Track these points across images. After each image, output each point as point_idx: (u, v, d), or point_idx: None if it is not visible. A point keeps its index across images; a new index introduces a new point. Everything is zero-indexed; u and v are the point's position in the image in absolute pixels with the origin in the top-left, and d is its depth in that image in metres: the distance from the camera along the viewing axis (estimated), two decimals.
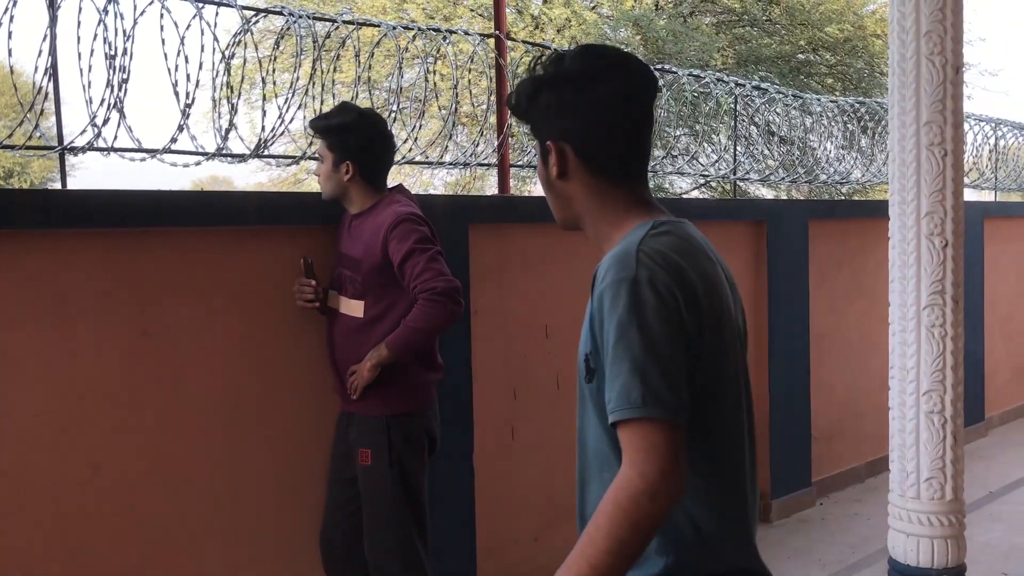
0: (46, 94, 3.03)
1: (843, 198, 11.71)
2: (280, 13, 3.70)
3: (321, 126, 3.17)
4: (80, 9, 3.09)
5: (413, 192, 3.36)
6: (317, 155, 3.23)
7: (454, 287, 3.01)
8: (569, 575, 1.39)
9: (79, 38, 3.09)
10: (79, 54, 3.09)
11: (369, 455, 3.10)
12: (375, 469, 3.10)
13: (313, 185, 15.07)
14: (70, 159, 3.40)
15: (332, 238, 3.49)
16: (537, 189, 15.36)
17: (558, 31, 13.88)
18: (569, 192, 1.63)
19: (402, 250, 3.01)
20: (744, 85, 6.19)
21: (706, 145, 7.45)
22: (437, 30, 4.33)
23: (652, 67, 1.96)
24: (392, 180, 3.32)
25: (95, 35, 3.11)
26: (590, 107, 1.55)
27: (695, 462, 1.46)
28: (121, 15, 3.14)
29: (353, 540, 3.20)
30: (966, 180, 4.85)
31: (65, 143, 3.16)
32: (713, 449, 1.52)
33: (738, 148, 6.39)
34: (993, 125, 8.25)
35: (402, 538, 3.12)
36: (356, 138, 3.14)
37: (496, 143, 4.44)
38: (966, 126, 7.38)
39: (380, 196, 3.20)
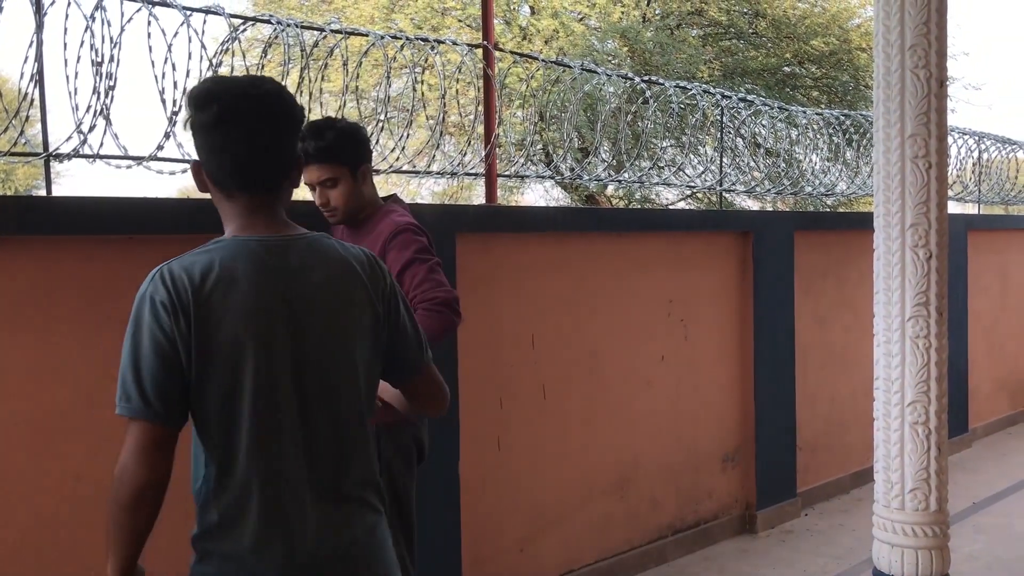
0: (31, 100, 3.02)
1: (828, 210, 11.77)
2: (268, 22, 3.69)
3: (320, 149, 2.95)
4: (67, 15, 3.08)
5: None
6: (310, 184, 3.03)
7: (454, 297, 3.00)
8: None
9: (66, 44, 3.08)
10: (65, 60, 3.07)
11: None
12: None
13: (301, 193, 15.06)
14: (55, 166, 3.37)
15: None
16: (524, 199, 15.37)
17: (546, 42, 13.92)
18: (215, 203, 1.87)
19: (401, 260, 2.97)
20: (730, 97, 6.22)
21: (692, 157, 7.47)
22: (425, 40, 4.34)
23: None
24: (383, 190, 3.30)
25: (82, 41, 3.09)
26: (196, 132, 1.79)
27: (211, 452, 1.74)
28: (108, 22, 3.12)
29: None
30: (950, 193, 4.90)
31: (50, 150, 3.14)
32: (232, 441, 1.72)
33: (724, 160, 6.42)
34: (976, 138, 8.32)
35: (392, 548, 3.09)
36: (357, 143, 3.05)
37: (483, 153, 4.45)
38: (950, 139, 7.43)
39: (378, 202, 3.16)
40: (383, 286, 1.88)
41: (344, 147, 3.01)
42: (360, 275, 1.83)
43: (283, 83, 3.66)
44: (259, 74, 1.96)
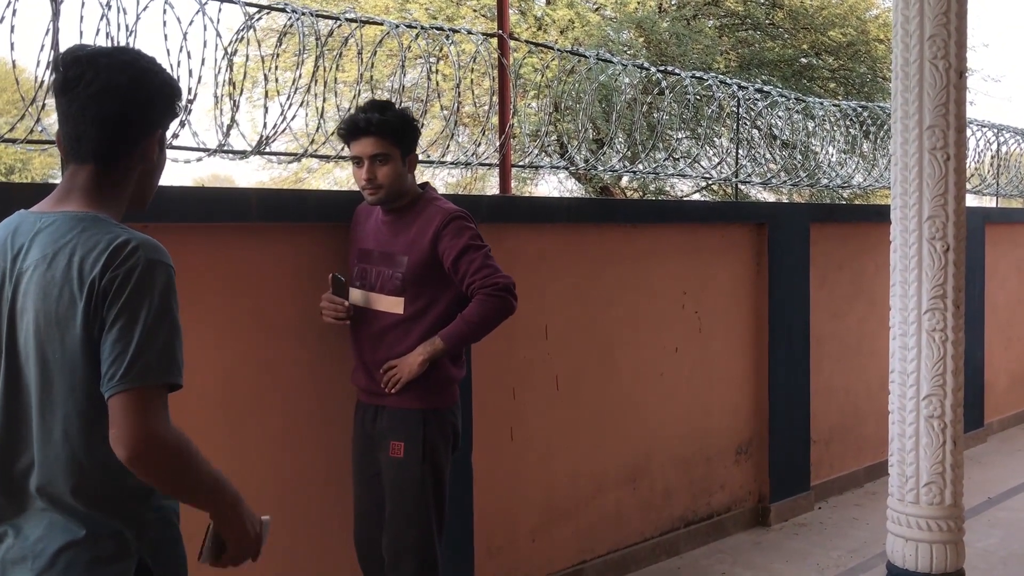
0: (48, 88, 3.02)
1: (844, 202, 11.70)
2: (283, 10, 3.69)
3: (382, 122, 3.02)
4: (83, 3, 3.08)
5: None
6: (361, 155, 3.04)
7: (512, 283, 3.10)
8: None
9: (81, 33, 3.08)
10: None
11: (402, 448, 3.08)
12: (407, 463, 3.08)
13: (314, 183, 14.99)
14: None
15: (333, 236, 3.49)
16: (538, 191, 15.34)
17: (561, 32, 13.87)
18: None
19: (457, 247, 3.04)
20: (747, 88, 6.19)
21: (708, 148, 7.44)
22: (440, 28, 4.33)
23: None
24: None
25: (97, 30, 3.10)
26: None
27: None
28: (124, 10, 3.13)
29: None
30: (968, 186, 4.85)
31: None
32: None
33: (740, 151, 6.39)
34: (995, 131, 8.25)
35: (424, 537, 3.10)
36: (414, 130, 3.13)
37: (498, 143, 4.44)
38: (968, 132, 7.37)
39: (417, 191, 3.19)
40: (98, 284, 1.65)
41: (403, 129, 3.08)
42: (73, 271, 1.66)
43: (298, 72, 3.67)
44: (123, 45, 1.89)
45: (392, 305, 3.10)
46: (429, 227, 3.07)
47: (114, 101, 1.73)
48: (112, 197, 1.78)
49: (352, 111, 3.53)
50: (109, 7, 3.10)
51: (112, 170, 1.77)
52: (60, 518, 1.69)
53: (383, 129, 3.02)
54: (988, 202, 8.96)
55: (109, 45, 1.81)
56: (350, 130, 3.06)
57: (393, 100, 3.37)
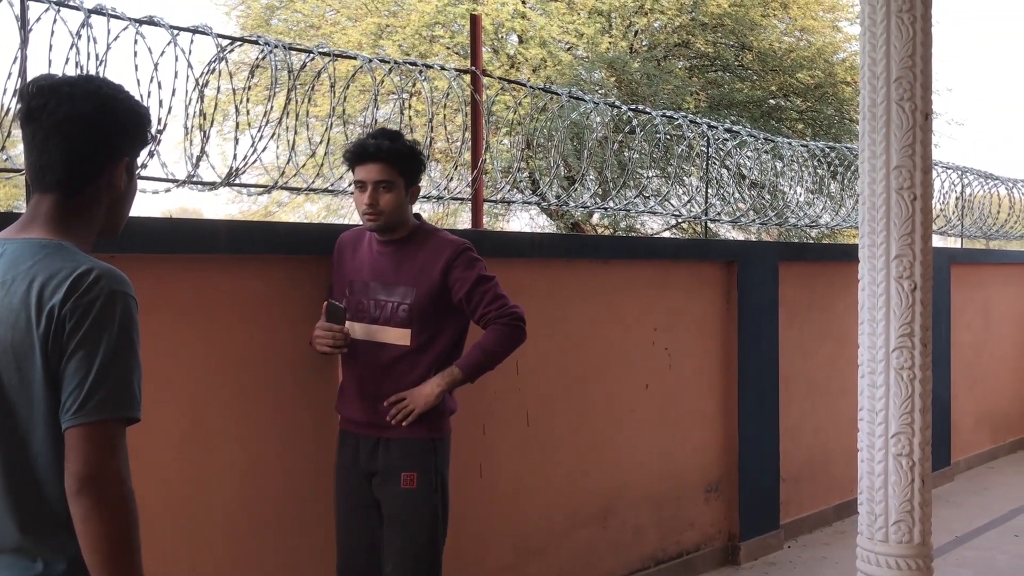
0: (13, 118, 2.99)
1: (812, 242, 11.83)
2: (255, 42, 3.68)
3: (392, 150, 3.03)
4: (53, 32, 3.06)
5: None
6: (366, 180, 3.02)
7: (524, 313, 3.14)
8: None
9: (50, 61, 3.06)
10: None
11: (415, 479, 3.05)
12: (421, 493, 3.06)
13: (284, 217, 14.93)
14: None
15: (303, 268, 3.46)
16: (510, 227, 15.37)
17: (533, 71, 14.00)
18: None
19: (470, 279, 3.06)
20: (717, 128, 6.26)
21: (678, 187, 7.50)
22: (414, 63, 4.34)
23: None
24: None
25: (67, 59, 3.08)
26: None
27: None
28: (94, 39, 3.11)
29: (378, 569, 3.14)
30: (934, 226, 4.92)
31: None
32: None
33: (709, 190, 6.44)
34: (960, 173, 8.39)
35: (435, 567, 3.08)
36: (420, 163, 3.14)
37: (470, 178, 4.44)
38: (933, 173, 7.51)
39: (413, 223, 3.18)
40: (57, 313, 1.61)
41: (411, 159, 3.09)
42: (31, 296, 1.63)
43: (269, 104, 3.66)
44: (89, 74, 1.86)
45: (399, 337, 3.06)
46: (439, 259, 3.07)
47: (78, 130, 1.70)
48: (78, 226, 1.75)
49: (322, 144, 3.52)
50: (79, 36, 3.08)
51: (77, 198, 1.74)
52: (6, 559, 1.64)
53: (392, 157, 3.02)
54: (953, 243, 9.10)
55: (76, 75, 1.78)
56: (357, 154, 3.04)
57: (363, 134, 3.37)
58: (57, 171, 1.71)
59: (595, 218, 14.05)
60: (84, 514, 1.58)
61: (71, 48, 3.08)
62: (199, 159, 3.43)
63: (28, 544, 1.64)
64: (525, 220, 15.78)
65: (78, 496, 1.57)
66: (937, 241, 9.42)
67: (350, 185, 4.18)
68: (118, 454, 1.61)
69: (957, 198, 8.51)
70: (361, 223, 3.21)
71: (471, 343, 3.20)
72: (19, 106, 1.75)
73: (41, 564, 1.64)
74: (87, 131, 1.71)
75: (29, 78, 2.98)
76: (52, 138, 1.70)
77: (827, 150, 6.99)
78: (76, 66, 3.08)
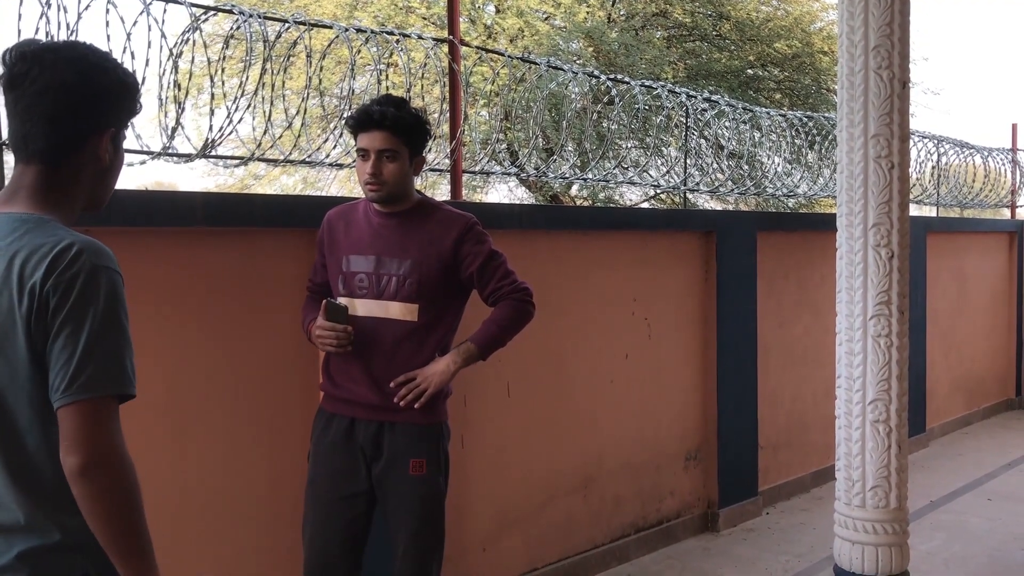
0: None
1: (789, 211, 11.87)
2: (230, 11, 3.63)
3: (397, 118, 2.88)
4: (21, 2, 3.00)
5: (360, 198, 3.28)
6: (369, 149, 2.89)
7: (533, 292, 3.10)
8: None
9: (19, 31, 3.01)
10: None
11: (424, 464, 2.95)
12: (430, 478, 2.96)
13: (260, 190, 14.82)
14: (8, 157, 3.29)
15: (281, 240, 3.44)
16: (488, 199, 15.36)
17: (511, 41, 13.90)
18: None
19: (481, 254, 2.99)
20: (696, 97, 6.25)
21: (656, 158, 7.49)
22: (391, 33, 4.30)
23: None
24: (340, 185, 3.27)
25: (36, 29, 3.02)
26: None
27: None
28: (65, 8, 3.05)
29: (354, 566, 3.03)
30: (910, 195, 4.94)
31: (3, 139, 3.07)
32: None
33: (688, 161, 6.44)
34: (936, 142, 8.44)
35: (440, 550, 3.04)
36: (426, 133, 3.01)
37: (449, 149, 4.42)
38: (910, 142, 7.55)
39: (415, 196, 3.06)
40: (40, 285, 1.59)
41: (417, 129, 2.96)
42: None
43: (244, 75, 3.61)
44: (74, 40, 1.81)
45: (406, 312, 2.93)
46: (448, 233, 2.97)
47: (61, 98, 1.66)
48: (61, 198, 1.71)
49: (299, 116, 3.46)
50: (49, 5, 3.02)
51: (60, 170, 1.70)
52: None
53: (397, 125, 2.89)
54: (929, 212, 9.16)
55: (61, 40, 1.72)
56: (361, 121, 2.91)
57: (340, 106, 3.33)
58: (39, 140, 1.68)
59: (574, 189, 14.03)
60: (89, 495, 1.57)
61: (41, 17, 3.02)
62: (174, 131, 3.39)
63: (27, 520, 1.63)
64: (504, 192, 15.76)
65: (80, 478, 1.56)
66: (913, 210, 9.49)
67: (327, 157, 4.16)
68: (114, 430, 1.59)
69: (933, 167, 8.56)
70: (362, 193, 3.07)
71: (463, 334, 3.11)
72: (1, 73, 1.70)
73: (36, 537, 1.63)
74: (70, 99, 1.67)
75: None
76: (34, 107, 1.66)
77: (805, 120, 7.00)
78: (47, 35, 3.02)
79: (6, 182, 1.74)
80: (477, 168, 5.29)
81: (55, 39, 3.03)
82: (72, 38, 3.07)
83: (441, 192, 12.86)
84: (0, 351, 1.60)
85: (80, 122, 1.70)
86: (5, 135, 3.03)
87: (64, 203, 1.72)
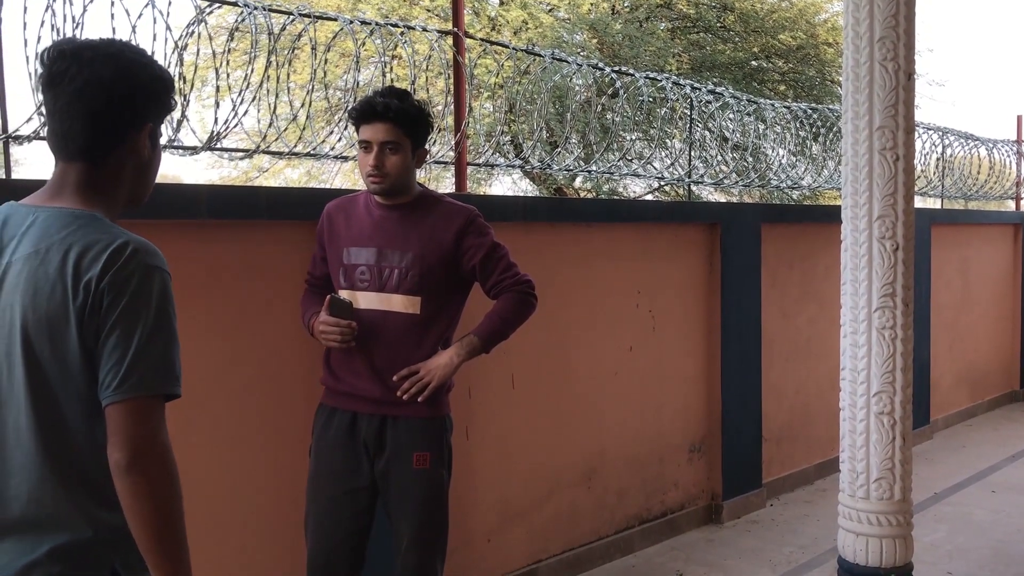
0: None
1: (794, 203, 11.85)
2: (235, 4, 3.63)
3: (401, 110, 2.88)
4: None
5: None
6: (371, 141, 2.89)
7: (535, 285, 3.10)
8: None
9: (25, 24, 3.01)
10: (25, 41, 3.00)
11: (428, 458, 2.95)
12: (434, 472, 2.97)
13: (265, 183, 14.86)
14: (15, 150, 3.30)
15: (285, 233, 3.44)
16: (492, 190, 15.34)
17: (515, 33, 13.87)
18: None
19: (484, 246, 3.00)
20: (700, 89, 6.24)
21: (660, 150, 7.48)
22: (395, 25, 4.29)
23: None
24: (344, 177, 3.28)
25: (42, 22, 3.02)
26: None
27: None
28: (70, 1, 3.06)
29: (357, 561, 3.03)
30: (915, 187, 4.92)
31: (10, 131, 3.07)
32: None
33: (692, 153, 6.44)
34: (940, 134, 8.42)
35: (444, 543, 3.04)
36: (428, 125, 3.01)
37: (453, 141, 4.42)
38: (915, 134, 7.53)
39: (417, 189, 3.07)
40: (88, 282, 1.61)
41: (420, 121, 2.96)
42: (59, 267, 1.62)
43: (249, 68, 3.62)
44: (111, 38, 1.83)
45: (408, 305, 2.94)
46: (450, 225, 2.97)
47: (99, 95, 1.67)
48: (105, 195, 1.73)
49: (303, 108, 3.45)
50: None
51: (102, 167, 1.72)
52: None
53: (400, 117, 2.88)
54: (933, 204, 9.15)
55: (99, 38, 1.74)
56: (364, 113, 2.90)
57: (345, 99, 3.33)
58: (79, 138, 1.69)
59: (578, 182, 14.01)
60: (133, 491, 1.59)
61: (46, 10, 3.02)
62: (179, 123, 3.39)
63: (61, 515, 1.64)
64: (508, 184, 15.73)
65: (127, 474, 1.58)
66: (917, 202, 9.47)
67: (332, 149, 4.16)
68: (161, 429, 1.63)
69: (938, 159, 8.55)
70: (364, 186, 3.07)
71: (463, 329, 3.11)
72: (39, 72, 1.71)
73: (68, 533, 1.64)
74: (109, 96, 1.68)
75: (4, 42, 2.94)
76: (74, 104, 1.67)
77: (809, 112, 6.99)
78: (52, 28, 3.03)
79: (11, 176, 1.76)
80: (481, 160, 5.29)
81: (61, 32, 3.04)
82: (77, 31, 3.08)
83: (446, 185, 12.85)
84: (51, 343, 1.61)
85: (119, 118, 1.71)
86: (11, 130, 3.04)
87: (109, 200, 1.74)
